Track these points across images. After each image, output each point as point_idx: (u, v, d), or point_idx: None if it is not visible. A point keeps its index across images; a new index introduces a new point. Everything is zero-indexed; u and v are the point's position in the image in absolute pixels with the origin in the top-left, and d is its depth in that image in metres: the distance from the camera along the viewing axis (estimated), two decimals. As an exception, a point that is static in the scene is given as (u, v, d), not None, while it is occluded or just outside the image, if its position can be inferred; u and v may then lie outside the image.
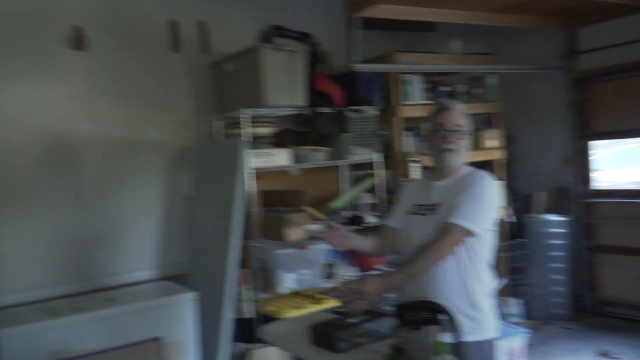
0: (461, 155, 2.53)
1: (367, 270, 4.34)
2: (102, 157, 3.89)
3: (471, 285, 2.40)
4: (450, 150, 2.50)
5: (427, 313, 2.07)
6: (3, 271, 3.53)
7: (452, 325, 2.05)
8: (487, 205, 2.42)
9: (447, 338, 2.04)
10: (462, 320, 2.24)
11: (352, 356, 2.28)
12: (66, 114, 3.77)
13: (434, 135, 2.54)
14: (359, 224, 4.28)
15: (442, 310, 2.06)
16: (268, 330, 2.79)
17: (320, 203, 4.55)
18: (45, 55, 3.69)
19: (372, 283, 2.28)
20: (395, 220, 2.66)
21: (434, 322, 2.03)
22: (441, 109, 2.57)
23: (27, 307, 3.44)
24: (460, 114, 2.54)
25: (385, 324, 2.43)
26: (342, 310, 2.34)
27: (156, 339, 3.23)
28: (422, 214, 2.52)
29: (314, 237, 3.88)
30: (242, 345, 3.77)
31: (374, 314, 2.48)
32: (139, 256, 3.99)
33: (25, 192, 3.63)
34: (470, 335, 2.31)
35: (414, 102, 4.73)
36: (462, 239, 2.35)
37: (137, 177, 4.02)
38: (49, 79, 3.71)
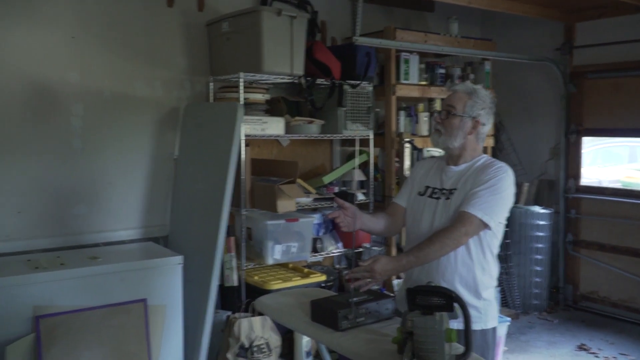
0: (452, 138, 2.44)
1: (357, 248, 4.32)
2: (89, 109, 3.74)
3: (477, 276, 2.37)
4: (436, 130, 2.49)
5: (439, 299, 2.02)
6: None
7: (464, 313, 2.01)
8: (505, 200, 2.39)
9: (456, 325, 2.00)
10: (467, 309, 2.22)
11: (354, 336, 2.23)
12: (53, 62, 3.60)
13: None
14: (350, 200, 4.21)
15: (455, 297, 2.02)
16: (262, 301, 2.71)
17: (309, 176, 4.48)
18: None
19: (383, 263, 2.23)
20: (405, 199, 2.61)
21: (447, 308, 1.98)
22: (448, 91, 2.57)
23: (6, 258, 3.29)
24: (459, 97, 2.47)
25: (387, 306, 2.39)
26: (352, 286, 2.27)
27: (141, 301, 3.13)
28: (434, 197, 2.47)
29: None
30: (225, 313, 3.70)
31: (375, 295, 2.43)
32: (122, 215, 3.87)
33: (8, 140, 3.47)
34: (474, 324, 2.28)
35: (411, 81, 4.66)
36: (477, 231, 2.32)
37: (124, 133, 3.88)
38: (36, 24, 3.52)
